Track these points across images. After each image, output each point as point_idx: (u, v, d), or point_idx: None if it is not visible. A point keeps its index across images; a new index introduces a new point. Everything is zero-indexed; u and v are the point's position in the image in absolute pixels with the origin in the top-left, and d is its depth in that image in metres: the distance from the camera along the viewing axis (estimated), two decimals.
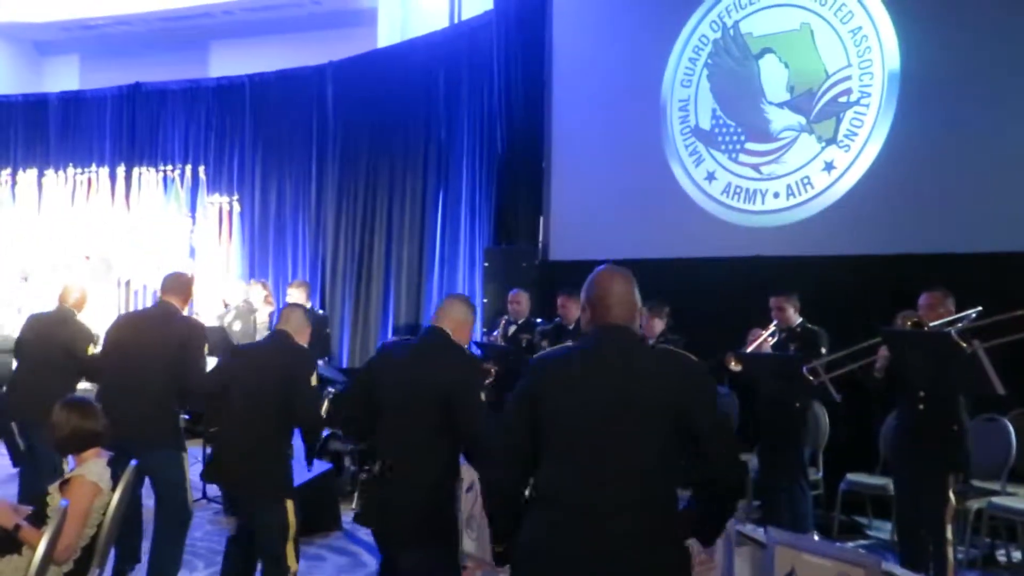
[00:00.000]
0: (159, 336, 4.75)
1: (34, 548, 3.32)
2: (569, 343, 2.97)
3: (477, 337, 8.51)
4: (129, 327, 4.99)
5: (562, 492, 2.62)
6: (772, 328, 5.91)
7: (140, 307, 10.37)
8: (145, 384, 4.63)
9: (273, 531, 4.14)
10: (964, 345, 4.24)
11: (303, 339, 4.50)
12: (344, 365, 10.14)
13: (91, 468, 3.60)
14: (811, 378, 5.23)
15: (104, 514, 3.59)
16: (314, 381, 4.33)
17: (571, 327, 6.66)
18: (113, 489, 3.63)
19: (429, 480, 3.57)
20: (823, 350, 5.60)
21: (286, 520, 4.15)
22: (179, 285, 4.99)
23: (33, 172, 12.24)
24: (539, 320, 7.07)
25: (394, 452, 3.61)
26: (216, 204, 11.68)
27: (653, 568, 2.58)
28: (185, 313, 5.10)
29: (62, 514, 3.36)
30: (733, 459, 2.72)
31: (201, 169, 11.87)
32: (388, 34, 11.37)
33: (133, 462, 3.86)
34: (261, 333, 8.26)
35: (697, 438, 2.63)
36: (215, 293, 10.09)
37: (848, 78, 7.05)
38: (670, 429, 2.61)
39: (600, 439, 2.60)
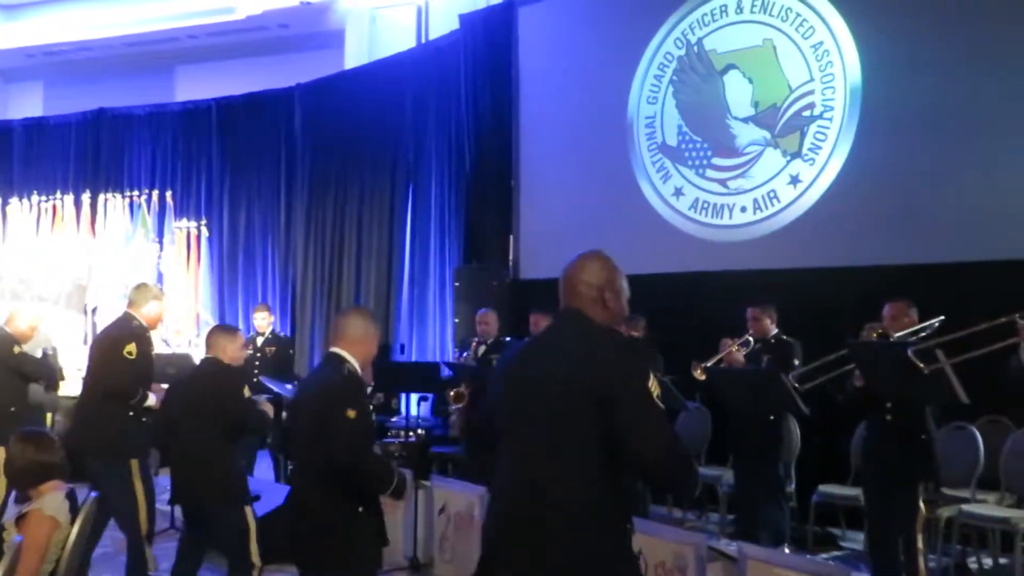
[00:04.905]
0: None
1: None
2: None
3: (449, 357, 8.47)
4: None
5: (496, 488, 2.61)
6: (744, 338, 5.92)
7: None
8: None
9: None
10: (921, 365, 4.25)
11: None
12: None
13: (48, 502, 3.52)
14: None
15: (63, 548, 3.51)
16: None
17: None
18: (72, 522, 3.55)
19: None
20: (796, 362, 5.63)
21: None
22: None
23: None
24: (509, 339, 7.04)
25: None
26: (184, 229, 11.54)
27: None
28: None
29: (16, 550, 3.28)
30: (660, 455, 2.39)
31: (168, 194, 11.75)
32: (356, 55, 11.34)
33: (93, 494, 3.78)
34: None
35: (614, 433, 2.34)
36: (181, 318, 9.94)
37: (811, 92, 7.11)
38: (590, 420, 2.36)
39: (523, 430, 2.50)
